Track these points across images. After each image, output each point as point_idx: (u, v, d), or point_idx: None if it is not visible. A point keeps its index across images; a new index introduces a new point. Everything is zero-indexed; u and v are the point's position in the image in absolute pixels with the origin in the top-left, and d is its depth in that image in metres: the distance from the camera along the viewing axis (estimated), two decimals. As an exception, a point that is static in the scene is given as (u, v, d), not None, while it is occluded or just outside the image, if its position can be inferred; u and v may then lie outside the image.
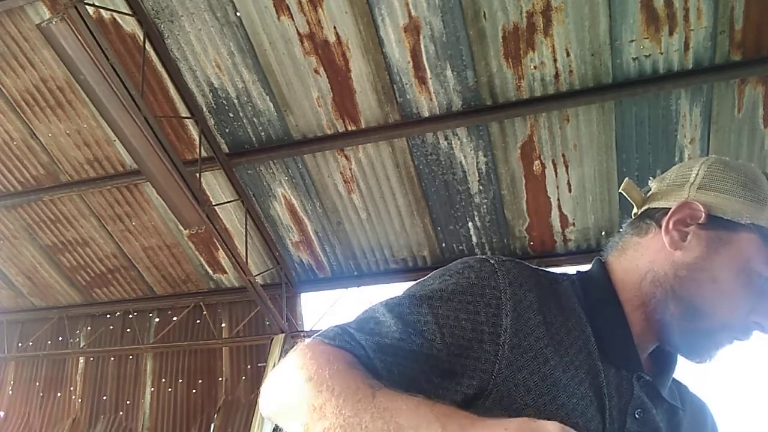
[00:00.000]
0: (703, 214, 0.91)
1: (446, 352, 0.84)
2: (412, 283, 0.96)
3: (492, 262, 0.91)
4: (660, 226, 0.96)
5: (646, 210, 1.01)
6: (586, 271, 1.04)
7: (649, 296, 0.94)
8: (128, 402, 7.06)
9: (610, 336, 0.92)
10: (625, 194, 1.04)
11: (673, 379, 1.01)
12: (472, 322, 0.85)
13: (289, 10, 4.61)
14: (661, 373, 0.98)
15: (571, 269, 1.08)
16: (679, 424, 0.98)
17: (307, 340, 0.90)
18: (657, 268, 0.94)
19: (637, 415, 0.90)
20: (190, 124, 5.46)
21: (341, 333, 0.88)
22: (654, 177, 1.05)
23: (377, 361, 0.84)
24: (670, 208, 0.95)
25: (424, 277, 0.96)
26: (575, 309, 0.92)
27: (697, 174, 0.96)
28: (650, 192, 1.03)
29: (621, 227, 1.07)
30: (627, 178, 1.05)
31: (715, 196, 0.92)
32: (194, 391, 6.84)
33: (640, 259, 0.97)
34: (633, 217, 1.04)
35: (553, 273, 0.99)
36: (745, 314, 0.90)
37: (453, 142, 5.21)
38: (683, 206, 0.93)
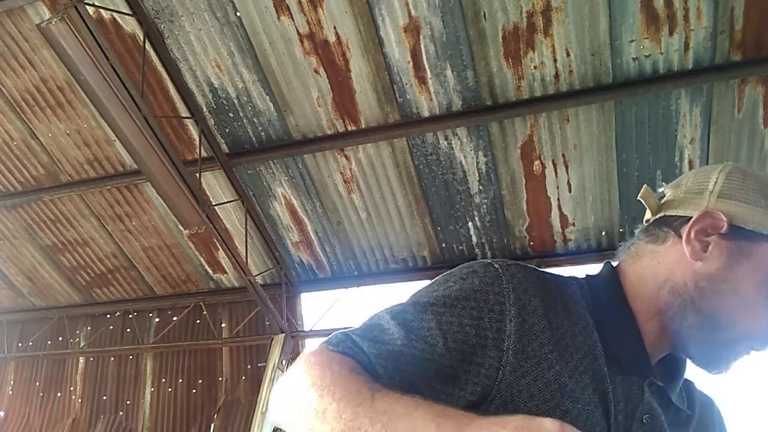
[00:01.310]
0: (726, 224, 0.89)
1: (449, 357, 0.84)
2: (414, 284, 0.97)
3: (496, 266, 0.91)
4: (679, 235, 0.94)
5: (662, 217, 0.98)
6: (595, 275, 1.02)
7: (666, 306, 0.93)
8: (128, 402, 7.06)
9: (620, 341, 0.92)
10: (643, 201, 1.01)
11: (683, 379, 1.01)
12: (475, 328, 0.85)
13: (289, 10, 4.61)
14: (671, 378, 0.98)
15: (571, 269, 1.07)
16: (687, 427, 0.98)
17: (312, 347, 0.91)
18: (676, 278, 0.93)
19: (644, 420, 0.90)
20: (190, 124, 5.46)
21: (345, 340, 0.88)
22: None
23: (379, 367, 0.84)
24: (688, 217, 0.93)
25: (429, 283, 0.95)
26: (582, 314, 0.92)
27: (716, 182, 0.93)
28: (665, 199, 1.00)
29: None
30: (645, 185, 1.03)
31: (736, 206, 0.90)
32: (194, 391, 6.84)
33: (657, 267, 0.95)
34: (646, 224, 1.02)
35: (560, 276, 0.98)
36: (764, 325, 0.90)
37: (453, 142, 5.21)
38: (705, 215, 0.91)
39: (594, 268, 1.05)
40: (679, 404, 0.96)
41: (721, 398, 1.09)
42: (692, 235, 0.92)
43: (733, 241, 0.90)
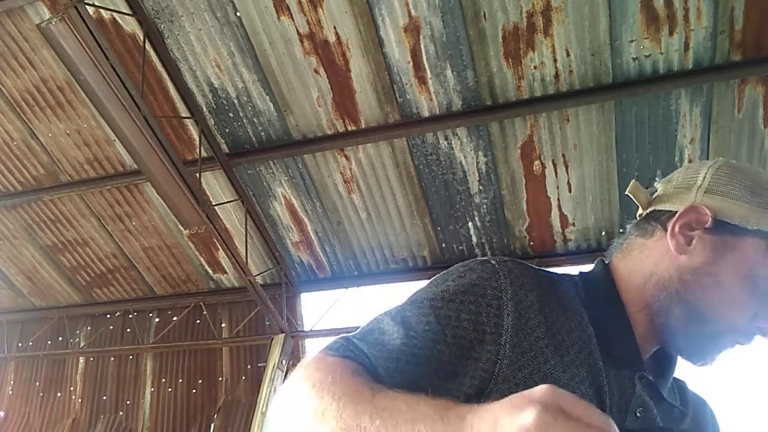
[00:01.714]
0: (710, 219, 0.91)
1: (448, 352, 0.84)
2: (414, 284, 0.97)
3: (493, 262, 0.92)
4: (666, 229, 0.95)
5: (651, 212, 1.00)
6: (588, 272, 1.04)
7: (653, 299, 0.94)
8: (128, 402, 7.06)
9: (613, 336, 0.92)
10: (631, 196, 1.03)
11: (673, 378, 1.02)
12: (473, 323, 0.85)
13: (289, 10, 4.61)
14: (662, 374, 0.99)
15: (571, 269, 1.08)
16: (680, 423, 0.98)
17: (312, 352, 0.91)
18: (661, 272, 0.94)
19: (638, 414, 0.90)
20: (190, 124, 5.46)
21: (345, 344, 0.89)
22: (654, 177, 1.05)
23: (380, 368, 0.85)
24: (676, 211, 0.95)
25: (427, 282, 0.96)
26: (577, 309, 0.93)
27: (705, 177, 0.95)
28: (656, 194, 1.02)
29: (622, 228, 1.06)
30: (634, 180, 1.05)
31: (722, 201, 0.92)
32: (194, 391, 6.84)
33: (644, 261, 0.97)
34: (638, 219, 1.04)
35: (555, 273, 0.99)
36: (748, 319, 0.91)
37: (453, 142, 5.21)
38: (690, 210, 0.93)
39: (589, 268, 1.06)
40: (671, 400, 0.97)
41: (714, 399, 1.09)
42: (676, 229, 0.93)
43: (718, 235, 0.91)
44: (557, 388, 0.60)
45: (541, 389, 0.60)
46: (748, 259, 0.89)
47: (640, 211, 1.04)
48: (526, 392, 0.62)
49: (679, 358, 1.00)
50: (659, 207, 0.99)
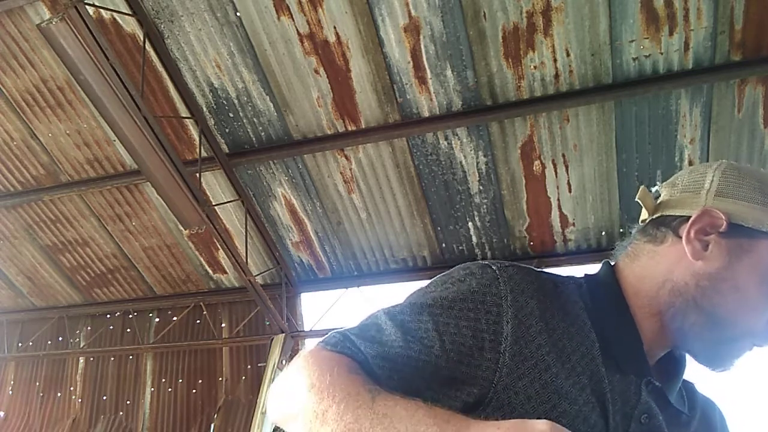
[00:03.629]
0: (725, 223, 0.89)
1: (446, 358, 0.84)
2: (414, 284, 0.97)
3: (494, 268, 0.90)
4: (678, 235, 0.94)
5: (659, 217, 0.98)
6: (594, 275, 1.02)
7: (667, 305, 0.93)
8: (128, 402, 7.06)
9: (618, 342, 0.91)
10: (640, 202, 1.01)
11: (682, 380, 1.00)
12: (472, 330, 0.85)
13: (289, 10, 4.61)
14: (669, 379, 0.97)
15: (571, 269, 1.07)
16: (686, 429, 0.97)
17: (309, 347, 0.91)
18: (676, 278, 0.92)
19: (642, 420, 0.89)
20: (190, 124, 5.46)
21: (342, 339, 0.89)
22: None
23: (377, 367, 0.84)
24: (686, 216, 0.93)
25: (426, 284, 0.95)
26: (579, 314, 0.91)
27: (713, 180, 0.93)
28: (660, 198, 1.00)
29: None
30: (642, 186, 1.03)
31: (734, 204, 0.90)
32: (194, 391, 6.84)
33: (655, 267, 0.95)
34: (642, 223, 1.02)
35: (559, 276, 0.98)
36: (766, 321, 0.90)
37: (453, 142, 5.21)
38: (703, 214, 0.91)
39: (593, 269, 1.05)
40: (678, 405, 0.95)
41: (723, 401, 1.08)
42: (692, 234, 0.91)
43: (733, 239, 0.90)
44: (556, 424, 0.61)
45: (542, 424, 0.61)
46: (765, 262, 0.88)
47: (644, 216, 1.02)
48: (527, 423, 0.63)
49: (688, 361, 0.99)
50: (667, 212, 0.97)
